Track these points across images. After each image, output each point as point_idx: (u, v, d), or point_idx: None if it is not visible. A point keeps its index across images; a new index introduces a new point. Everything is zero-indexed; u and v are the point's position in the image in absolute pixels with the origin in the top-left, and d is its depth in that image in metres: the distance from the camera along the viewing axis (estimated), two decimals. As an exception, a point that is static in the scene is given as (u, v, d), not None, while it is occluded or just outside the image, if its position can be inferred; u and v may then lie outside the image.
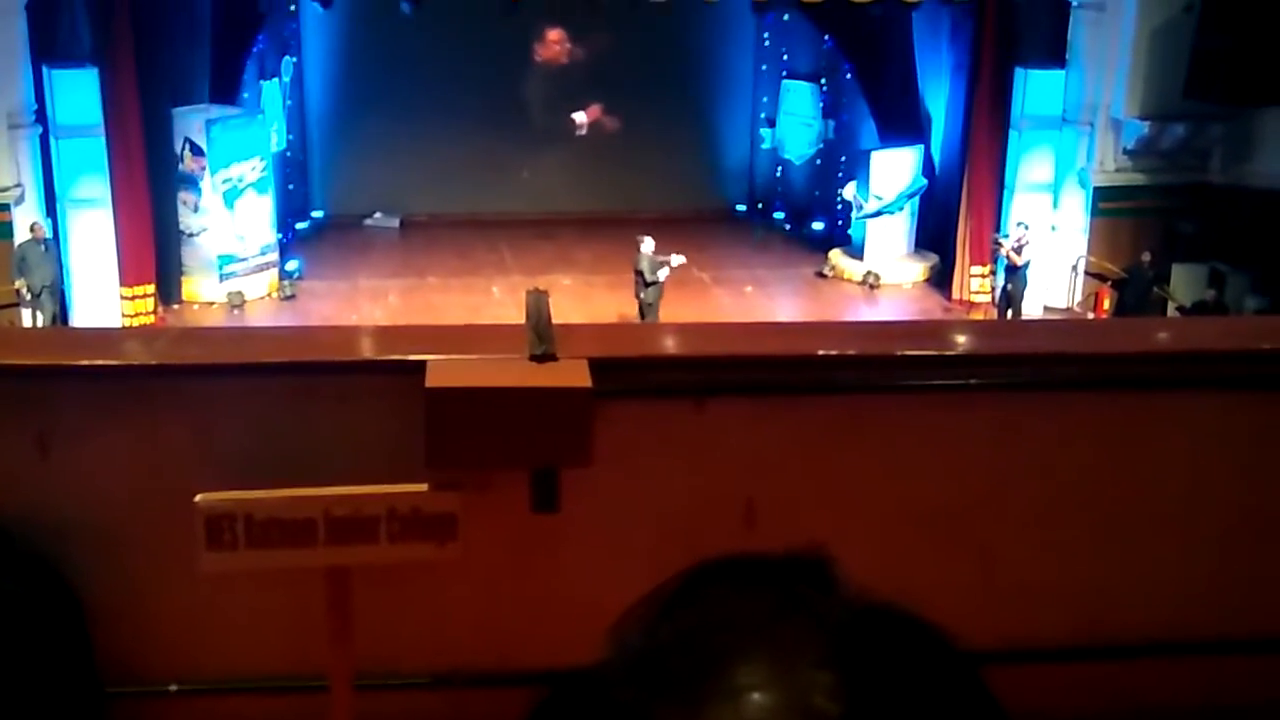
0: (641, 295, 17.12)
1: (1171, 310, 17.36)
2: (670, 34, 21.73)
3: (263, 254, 19.25)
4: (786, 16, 21.73)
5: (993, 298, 19.24)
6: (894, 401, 4.00)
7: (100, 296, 17.34)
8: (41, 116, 16.78)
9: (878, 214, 20.08)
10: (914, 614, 0.97)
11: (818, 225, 22.32)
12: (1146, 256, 17.77)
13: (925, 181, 20.13)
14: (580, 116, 22.85)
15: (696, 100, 23.56)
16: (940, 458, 4.00)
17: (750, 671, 0.90)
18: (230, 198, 18.72)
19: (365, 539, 3.58)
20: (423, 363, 3.61)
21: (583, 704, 0.95)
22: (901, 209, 20.21)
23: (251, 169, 18.91)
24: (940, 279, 20.13)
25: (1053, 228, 18.73)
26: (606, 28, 21.11)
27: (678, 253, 17.23)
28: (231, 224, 18.81)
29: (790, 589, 0.97)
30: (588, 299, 18.40)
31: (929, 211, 20.70)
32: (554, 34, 22.31)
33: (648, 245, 17.23)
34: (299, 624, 3.79)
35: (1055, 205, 18.89)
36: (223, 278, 18.71)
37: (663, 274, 17.08)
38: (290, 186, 21.60)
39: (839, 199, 21.24)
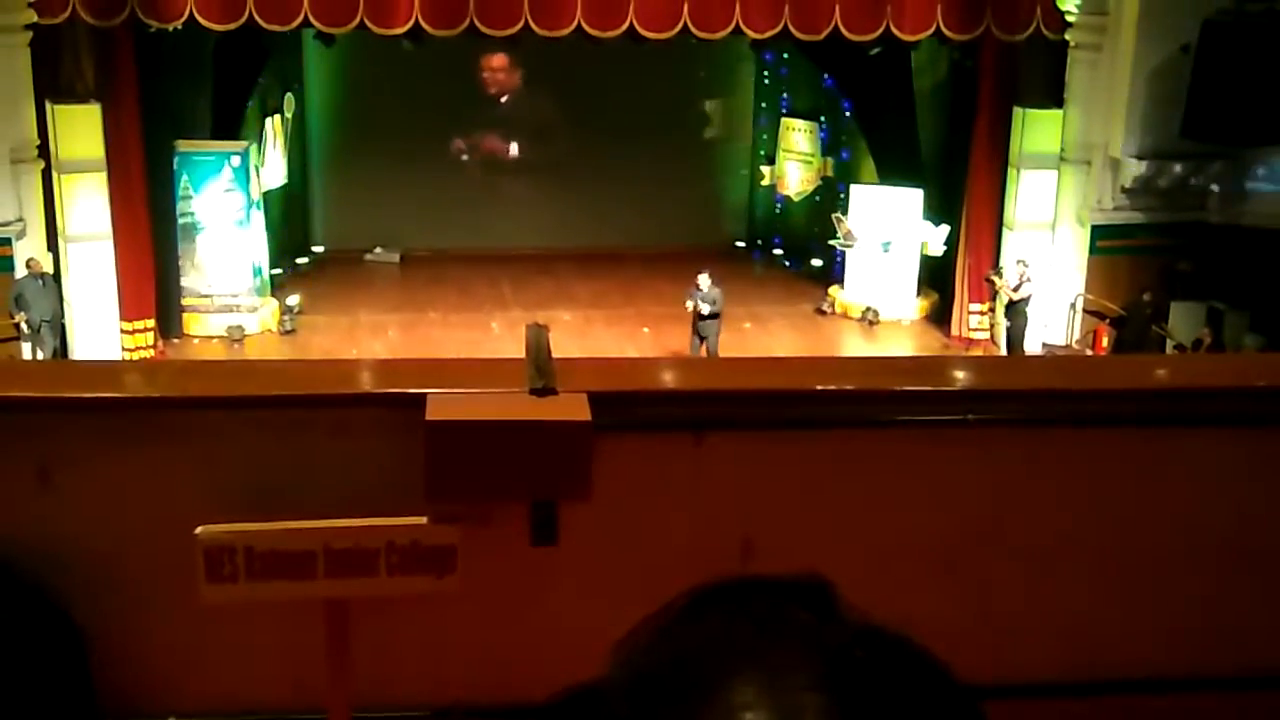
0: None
1: (1170, 348, 17.37)
2: (670, 71, 21.85)
3: (234, 296, 18.83)
4: (786, 55, 21.86)
5: (992, 335, 19.27)
6: (892, 437, 4.01)
7: (101, 331, 17.36)
8: (44, 152, 16.84)
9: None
10: (912, 641, 0.99)
11: (817, 261, 22.37)
12: (1147, 295, 17.81)
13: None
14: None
15: (696, 136, 23.71)
16: (938, 494, 4.01)
17: (743, 692, 0.92)
18: (192, 233, 18.59)
19: (365, 571, 3.59)
20: (423, 396, 3.63)
21: (580, 718, 0.97)
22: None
23: (223, 206, 18.61)
24: (939, 315, 20.17)
25: (1049, 267, 18.77)
26: (607, 65, 21.20)
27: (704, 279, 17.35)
28: (192, 260, 18.65)
29: (787, 611, 0.98)
30: (587, 334, 18.45)
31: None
32: (497, 59, 22.17)
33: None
34: (298, 656, 3.79)
35: (1053, 243, 18.94)
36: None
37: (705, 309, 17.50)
38: (290, 221, 21.67)
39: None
